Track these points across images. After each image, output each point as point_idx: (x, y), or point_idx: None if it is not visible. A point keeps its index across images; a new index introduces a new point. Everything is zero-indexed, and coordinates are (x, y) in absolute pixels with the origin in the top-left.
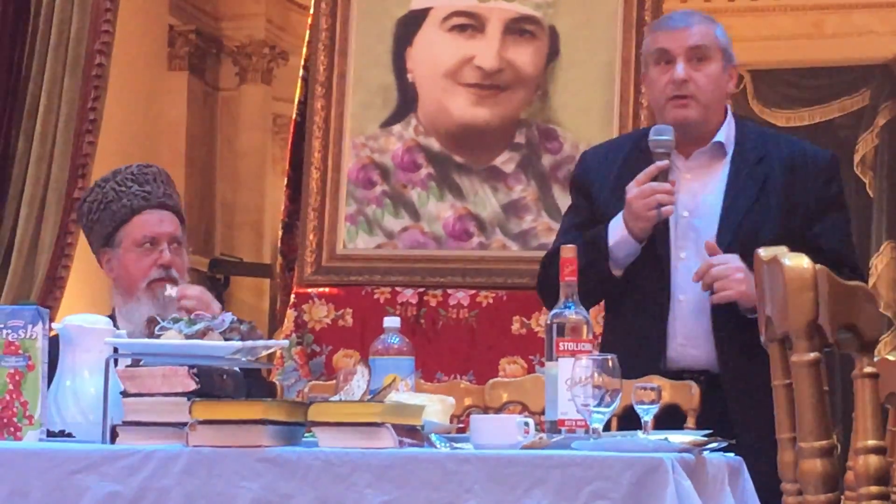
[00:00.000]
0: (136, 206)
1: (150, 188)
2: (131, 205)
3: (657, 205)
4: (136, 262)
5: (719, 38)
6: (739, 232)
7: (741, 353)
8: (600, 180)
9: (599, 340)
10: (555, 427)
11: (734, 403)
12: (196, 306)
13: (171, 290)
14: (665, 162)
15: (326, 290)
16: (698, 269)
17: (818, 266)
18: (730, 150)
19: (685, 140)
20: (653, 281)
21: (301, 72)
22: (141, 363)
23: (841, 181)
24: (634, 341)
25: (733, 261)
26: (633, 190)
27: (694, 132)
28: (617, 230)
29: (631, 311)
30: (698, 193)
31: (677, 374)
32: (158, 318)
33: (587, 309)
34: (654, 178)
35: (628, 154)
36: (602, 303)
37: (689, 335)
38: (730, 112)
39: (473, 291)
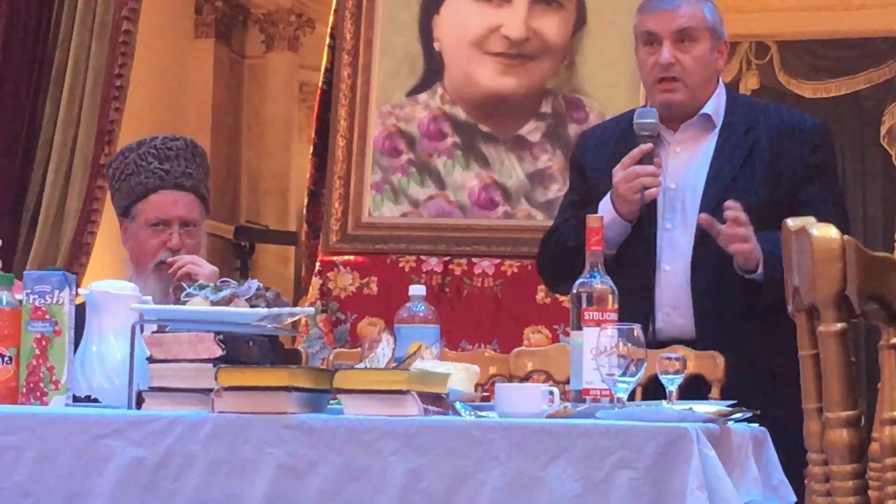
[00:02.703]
0: (151, 185)
1: (168, 166)
2: (147, 183)
3: (641, 187)
4: (147, 241)
5: (707, 17)
6: (723, 201)
7: (719, 321)
8: (594, 160)
9: None
10: (579, 396)
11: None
12: (188, 262)
13: (168, 259)
14: (649, 145)
15: (351, 258)
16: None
17: (846, 237)
18: (718, 121)
19: (673, 116)
20: (640, 252)
21: (328, 39)
22: (167, 329)
23: (831, 150)
24: (624, 312)
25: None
26: (618, 173)
27: (682, 111)
28: (606, 212)
29: (620, 283)
30: (686, 165)
31: (665, 345)
32: (185, 285)
33: None
34: (640, 161)
35: (621, 134)
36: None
37: (675, 304)
38: (721, 84)
39: (498, 260)
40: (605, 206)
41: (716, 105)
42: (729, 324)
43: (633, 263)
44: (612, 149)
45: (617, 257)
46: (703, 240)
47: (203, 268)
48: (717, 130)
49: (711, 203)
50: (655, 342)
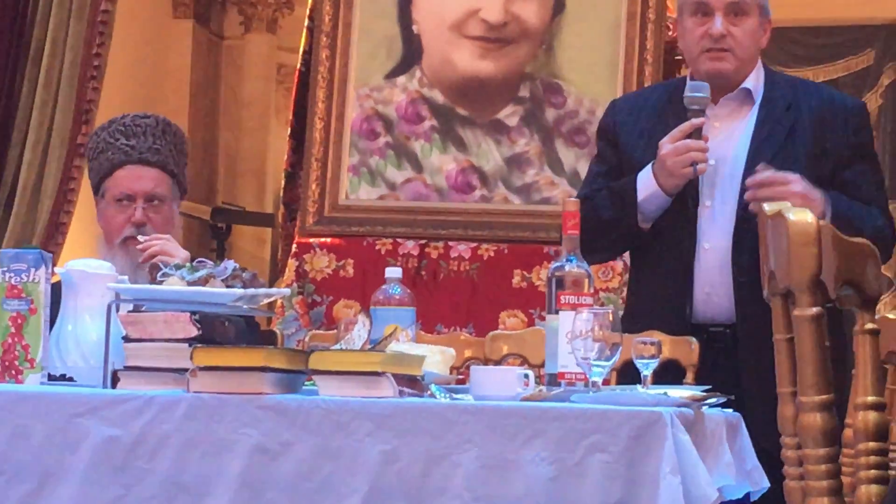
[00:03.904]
0: (116, 161)
1: (135, 142)
2: (113, 159)
3: (691, 162)
4: (113, 217)
5: None
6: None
7: (760, 302)
8: (628, 129)
9: (624, 294)
10: (554, 380)
11: (747, 354)
12: (158, 252)
13: (140, 237)
14: (701, 119)
15: (328, 240)
16: (753, 178)
17: (822, 222)
18: (758, 97)
19: (714, 89)
20: (678, 230)
21: (306, 21)
22: (143, 309)
23: (871, 130)
24: (661, 292)
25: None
26: (666, 146)
27: (725, 84)
28: (647, 185)
29: (657, 261)
30: (725, 140)
31: (702, 327)
32: (161, 265)
33: (609, 261)
34: (689, 136)
35: (664, 104)
36: (602, 258)
37: (714, 284)
38: (760, 62)
39: (475, 244)
40: (646, 179)
41: (756, 80)
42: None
43: (672, 241)
44: (650, 116)
45: (654, 235)
46: (746, 217)
47: (174, 258)
48: (756, 106)
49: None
50: (691, 325)
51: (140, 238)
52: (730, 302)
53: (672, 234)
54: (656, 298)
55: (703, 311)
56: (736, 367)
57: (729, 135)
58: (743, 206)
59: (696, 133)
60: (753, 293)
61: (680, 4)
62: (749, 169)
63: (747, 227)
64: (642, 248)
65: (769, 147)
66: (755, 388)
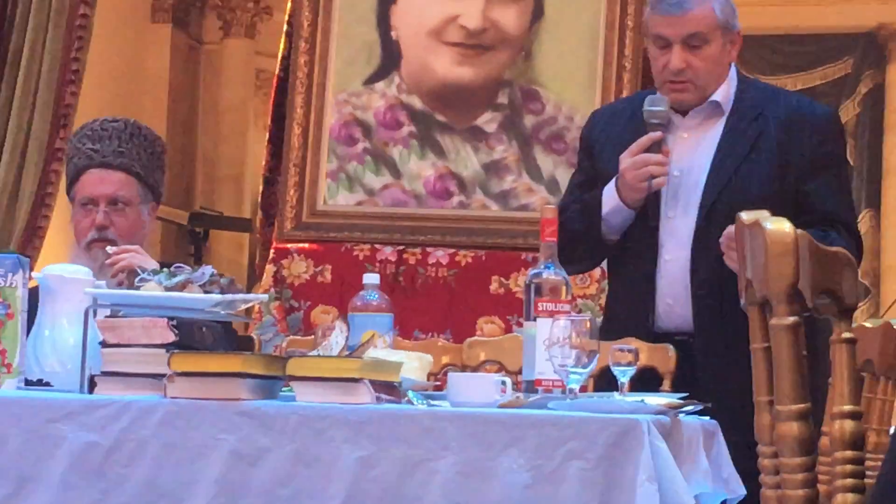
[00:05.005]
0: (80, 166)
1: (99, 146)
2: (78, 164)
3: (649, 176)
4: (79, 221)
5: (718, 15)
6: (726, 190)
7: (717, 314)
8: (603, 140)
9: (601, 301)
10: (532, 387)
11: (705, 363)
12: (126, 267)
13: (109, 249)
14: (658, 133)
15: (306, 245)
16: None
17: (799, 231)
18: (727, 107)
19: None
20: (642, 241)
21: (285, 27)
22: (120, 314)
23: (841, 139)
24: (628, 302)
25: None
26: (626, 160)
27: (692, 106)
28: (610, 198)
29: (625, 272)
30: (692, 152)
31: (666, 336)
32: (139, 270)
33: (588, 271)
34: (648, 149)
35: (631, 118)
36: (580, 269)
37: (675, 295)
38: (733, 71)
39: (453, 250)
40: (610, 193)
41: (725, 92)
42: (729, 318)
43: (636, 252)
44: (621, 130)
45: (622, 246)
46: (705, 229)
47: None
48: (725, 117)
49: (714, 191)
50: (653, 334)
51: (108, 250)
52: (689, 312)
53: (636, 245)
54: (625, 308)
55: (666, 322)
56: (695, 377)
57: (695, 146)
58: (702, 218)
59: (656, 146)
60: (711, 304)
61: (644, 31)
62: (711, 181)
63: (705, 239)
64: (614, 259)
65: (732, 159)
66: (713, 398)
